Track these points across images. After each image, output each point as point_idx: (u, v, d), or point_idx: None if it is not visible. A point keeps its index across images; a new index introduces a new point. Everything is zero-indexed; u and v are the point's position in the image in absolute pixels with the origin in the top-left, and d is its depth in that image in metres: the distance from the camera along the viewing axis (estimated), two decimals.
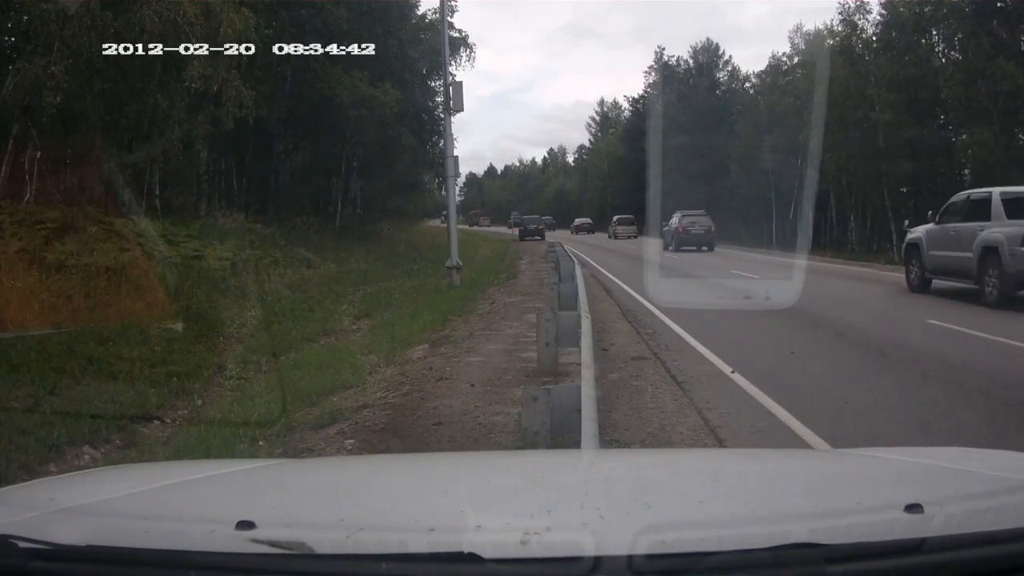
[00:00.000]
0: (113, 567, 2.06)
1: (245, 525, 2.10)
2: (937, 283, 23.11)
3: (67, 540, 2.10)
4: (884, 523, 2.19)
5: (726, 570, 1.95)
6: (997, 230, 20.06)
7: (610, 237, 69.90)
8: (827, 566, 1.95)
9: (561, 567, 1.97)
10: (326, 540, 2.06)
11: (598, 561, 1.93)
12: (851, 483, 2.98)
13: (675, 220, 50.08)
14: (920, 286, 23.73)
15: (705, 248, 46.93)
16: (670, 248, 47.73)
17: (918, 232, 24.37)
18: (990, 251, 20.08)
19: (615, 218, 73.67)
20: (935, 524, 2.13)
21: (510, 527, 2.19)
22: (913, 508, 2.18)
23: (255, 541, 2.04)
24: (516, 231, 75.41)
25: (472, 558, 1.96)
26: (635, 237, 65.14)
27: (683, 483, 3.05)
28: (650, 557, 1.95)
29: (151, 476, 3.27)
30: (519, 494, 2.83)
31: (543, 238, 65.00)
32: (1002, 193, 20.90)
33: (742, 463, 3.76)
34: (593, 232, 79.40)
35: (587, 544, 2.00)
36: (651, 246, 39.71)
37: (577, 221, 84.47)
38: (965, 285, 21.15)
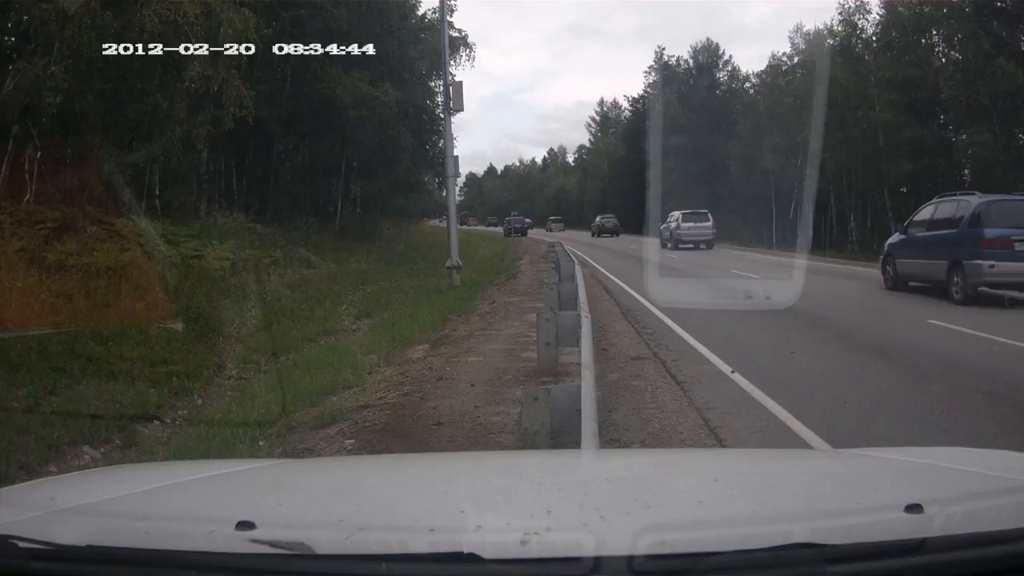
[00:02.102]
0: (113, 567, 2.05)
1: (245, 525, 2.09)
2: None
3: (67, 540, 2.10)
4: (884, 523, 2.18)
5: (726, 570, 1.95)
6: (673, 224, 50.85)
7: (547, 231, 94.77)
8: (827, 566, 1.94)
9: (561, 567, 1.96)
10: (326, 540, 2.05)
11: (598, 561, 1.93)
12: (851, 483, 2.97)
13: (597, 220, 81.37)
14: (672, 247, 49.16)
15: (615, 235, 74.06)
16: (593, 236, 76.96)
17: (665, 225, 52.89)
18: (673, 232, 50.21)
19: (550, 217, 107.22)
20: (935, 524, 2.13)
21: (510, 527, 2.19)
22: (913, 508, 2.17)
23: (255, 541, 2.03)
24: (501, 229, 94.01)
25: (472, 558, 1.95)
26: (563, 231, 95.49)
27: (683, 483, 3.06)
28: (650, 557, 1.94)
29: (151, 476, 3.28)
30: (519, 494, 2.82)
31: (525, 235, 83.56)
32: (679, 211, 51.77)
33: (742, 463, 3.77)
34: (532, 227, 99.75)
35: (587, 544, 2.00)
36: (583, 235, 69.52)
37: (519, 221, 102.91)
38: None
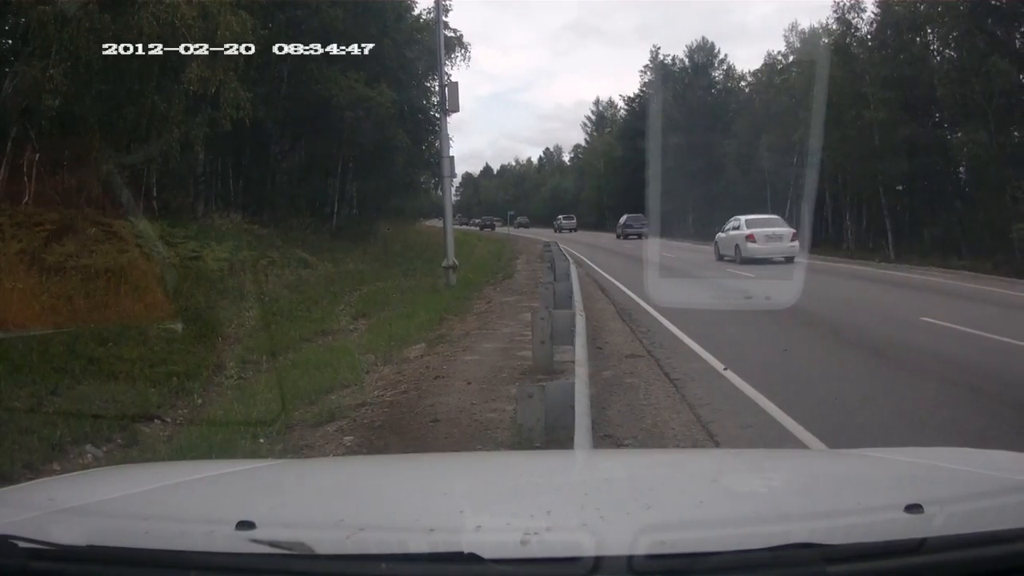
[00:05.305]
0: (113, 567, 2.07)
1: (245, 525, 2.11)
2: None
3: (67, 540, 2.12)
4: (884, 523, 2.20)
5: (726, 570, 1.97)
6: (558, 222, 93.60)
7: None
8: (827, 566, 1.96)
9: (561, 567, 1.98)
10: (326, 540, 2.07)
11: (598, 561, 1.94)
12: (851, 483, 3.00)
13: (517, 219, 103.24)
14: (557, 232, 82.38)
15: (573, 231, 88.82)
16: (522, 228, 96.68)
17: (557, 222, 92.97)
18: (558, 226, 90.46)
19: (495, 218, 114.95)
20: (935, 524, 2.14)
21: (510, 527, 2.20)
22: (913, 508, 2.18)
23: (255, 541, 2.05)
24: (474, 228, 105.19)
25: (472, 558, 1.96)
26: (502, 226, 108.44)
27: (683, 483, 3.10)
28: (650, 557, 1.96)
29: (151, 476, 3.31)
30: (519, 494, 2.85)
31: (494, 229, 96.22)
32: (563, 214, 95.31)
33: (742, 463, 3.79)
34: (529, 225, 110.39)
35: (587, 544, 2.01)
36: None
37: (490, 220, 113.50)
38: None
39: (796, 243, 35.55)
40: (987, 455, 3.48)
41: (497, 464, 3.96)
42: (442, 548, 2.05)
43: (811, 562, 1.96)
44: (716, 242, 39.60)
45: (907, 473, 3.07)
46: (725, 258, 37.06)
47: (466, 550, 1.99)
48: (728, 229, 38.45)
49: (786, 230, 36.60)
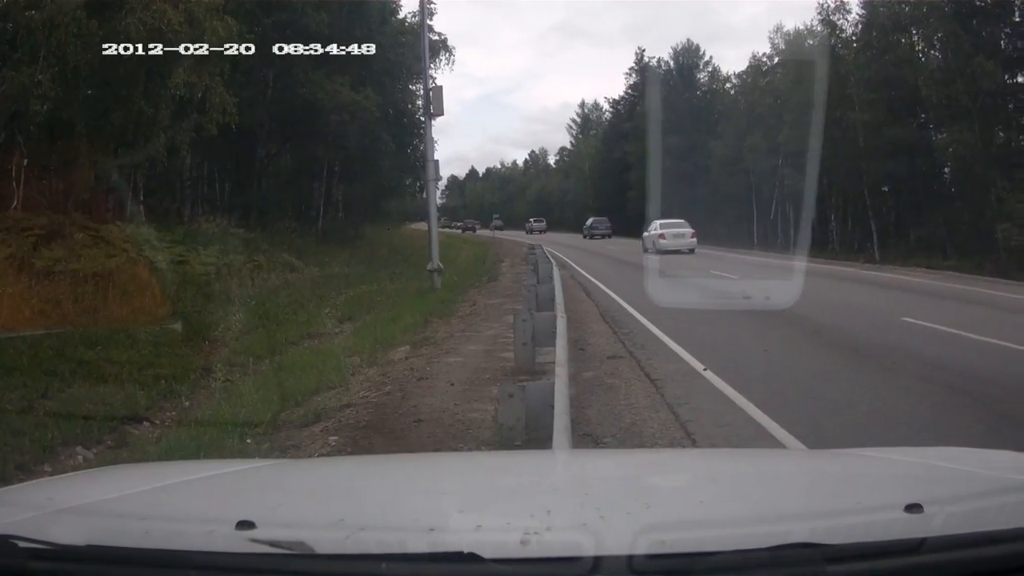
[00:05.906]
0: (113, 567, 2.07)
1: (245, 525, 2.10)
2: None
3: (67, 540, 2.11)
4: (884, 523, 2.19)
5: (726, 570, 1.96)
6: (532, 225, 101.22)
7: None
8: (827, 566, 1.96)
9: (561, 567, 1.98)
10: (326, 540, 2.06)
11: (598, 561, 1.94)
12: (851, 483, 3.00)
13: (529, 223, 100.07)
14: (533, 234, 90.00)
15: (543, 232, 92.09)
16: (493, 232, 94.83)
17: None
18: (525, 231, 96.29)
19: (471, 220, 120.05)
20: (935, 524, 2.14)
21: (510, 527, 2.18)
22: (913, 508, 2.18)
23: (255, 541, 2.04)
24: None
25: (472, 558, 1.96)
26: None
27: (682, 483, 3.15)
28: (650, 557, 1.96)
29: (151, 476, 3.29)
30: (519, 494, 2.86)
31: (475, 231, 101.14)
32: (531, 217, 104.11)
33: (741, 463, 3.79)
34: (504, 228, 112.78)
35: (587, 544, 2.00)
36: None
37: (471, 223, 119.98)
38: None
39: (695, 239, 46.45)
40: (987, 455, 3.49)
41: (496, 464, 3.95)
42: (442, 548, 2.06)
43: (811, 562, 1.97)
44: (643, 239, 47.95)
45: (907, 473, 3.08)
46: (648, 250, 44.63)
47: (466, 550, 1.99)
48: (650, 229, 47.16)
49: (688, 230, 46.86)
